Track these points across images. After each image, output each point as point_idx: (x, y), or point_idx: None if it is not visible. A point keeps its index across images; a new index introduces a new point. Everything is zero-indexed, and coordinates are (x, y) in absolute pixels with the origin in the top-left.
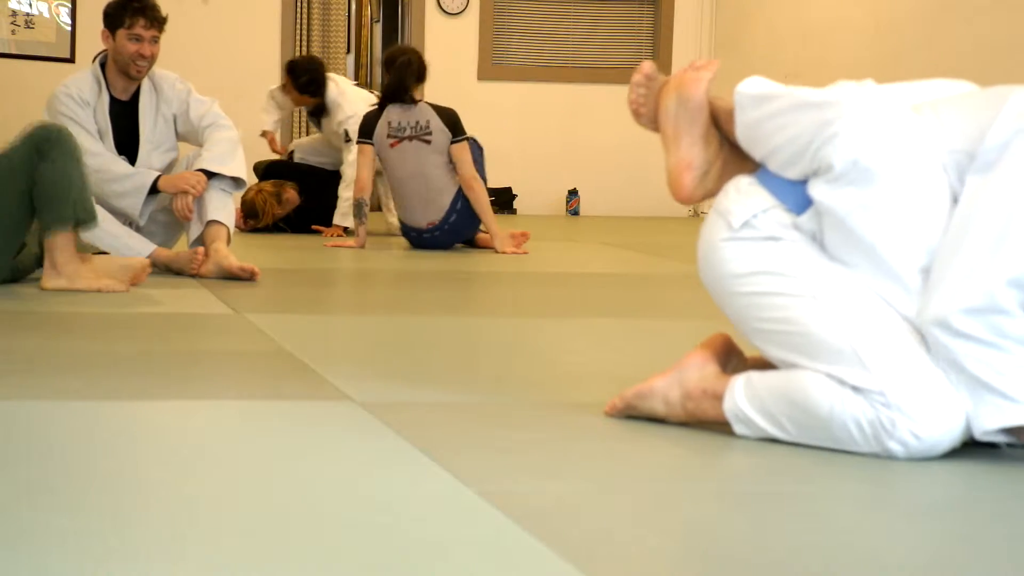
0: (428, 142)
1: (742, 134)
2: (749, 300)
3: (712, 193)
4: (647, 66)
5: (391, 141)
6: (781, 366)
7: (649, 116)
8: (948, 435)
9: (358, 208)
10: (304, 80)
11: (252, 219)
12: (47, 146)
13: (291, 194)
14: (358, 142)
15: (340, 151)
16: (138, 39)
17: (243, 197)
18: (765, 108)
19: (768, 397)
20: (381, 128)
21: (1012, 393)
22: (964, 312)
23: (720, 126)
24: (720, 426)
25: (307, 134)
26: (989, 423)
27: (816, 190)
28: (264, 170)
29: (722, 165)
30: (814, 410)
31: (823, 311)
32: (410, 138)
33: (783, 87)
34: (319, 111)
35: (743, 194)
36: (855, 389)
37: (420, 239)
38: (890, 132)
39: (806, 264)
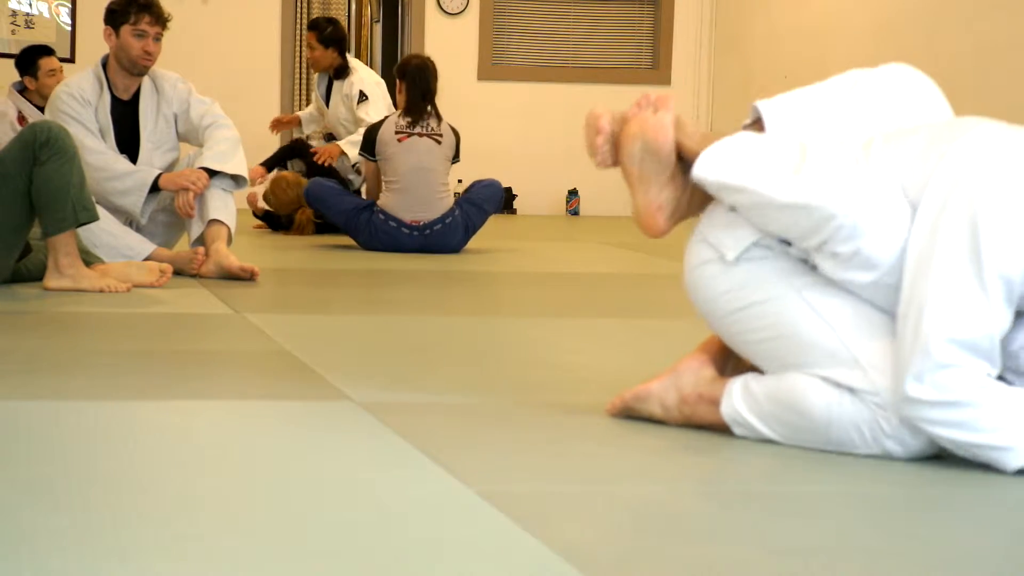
0: (439, 142)
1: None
2: (739, 315)
3: (685, 218)
4: (604, 122)
5: (399, 136)
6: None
7: (613, 161)
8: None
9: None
10: (329, 32)
11: (281, 213)
12: (41, 148)
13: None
14: (361, 154)
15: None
16: (142, 35)
17: (283, 196)
18: (734, 199)
19: (765, 402)
20: (388, 127)
21: (995, 442)
22: (913, 378)
23: (687, 159)
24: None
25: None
26: (1007, 467)
27: (821, 264)
28: (282, 153)
29: (691, 194)
30: (811, 414)
31: (814, 314)
32: (420, 135)
33: (741, 168)
34: (340, 72)
35: (732, 225)
36: (851, 391)
37: (410, 238)
38: (883, 222)
39: (794, 271)
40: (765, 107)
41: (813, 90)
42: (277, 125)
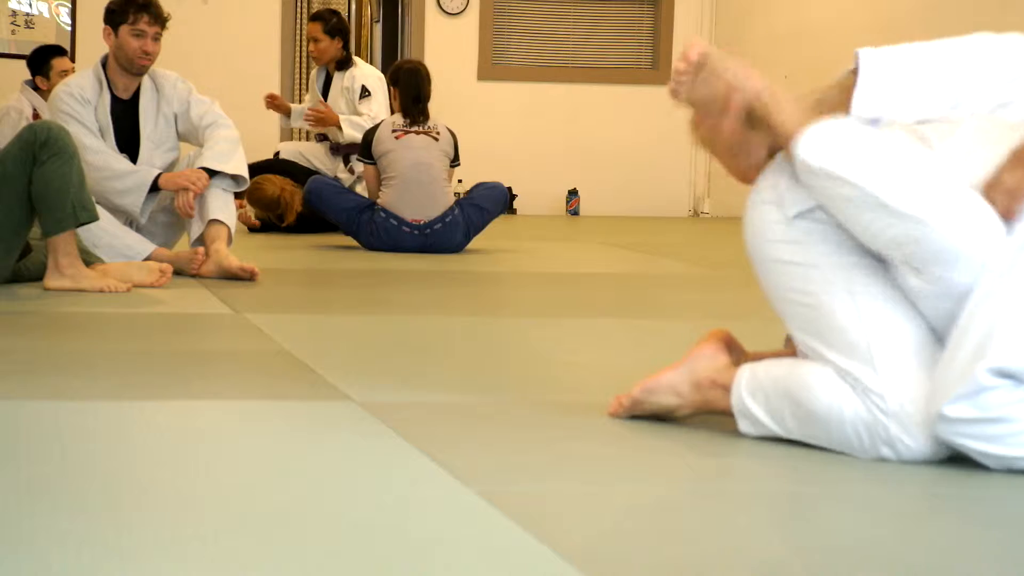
0: (436, 139)
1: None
2: (785, 268)
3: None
4: (694, 53)
5: (396, 134)
6: (799, 347)
7: (685, 95)
8: (941, 448)
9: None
10: (334, 22)
11: (271, 211)
12: (41, 148)
13: (299, 195)
14: (359, 159)
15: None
16: (140, 35)
17: (264, 194)
18: (833, 189)
19: (772, 392)
20: (384, 127)
21: None
22: (952, 400)
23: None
24: (723, 424)
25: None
26: None
27: (900, 269)
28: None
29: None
30: (814, 408)
31: (851, 300)
32: (417, 132)
33: (852, 159)
34: (342, 65)
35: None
36: (856, 390)
37: (411, 237)
38: (978, 248)
39: (849, 251)
40: (866, 61)
41: (926, 51)
42: (273, 99)
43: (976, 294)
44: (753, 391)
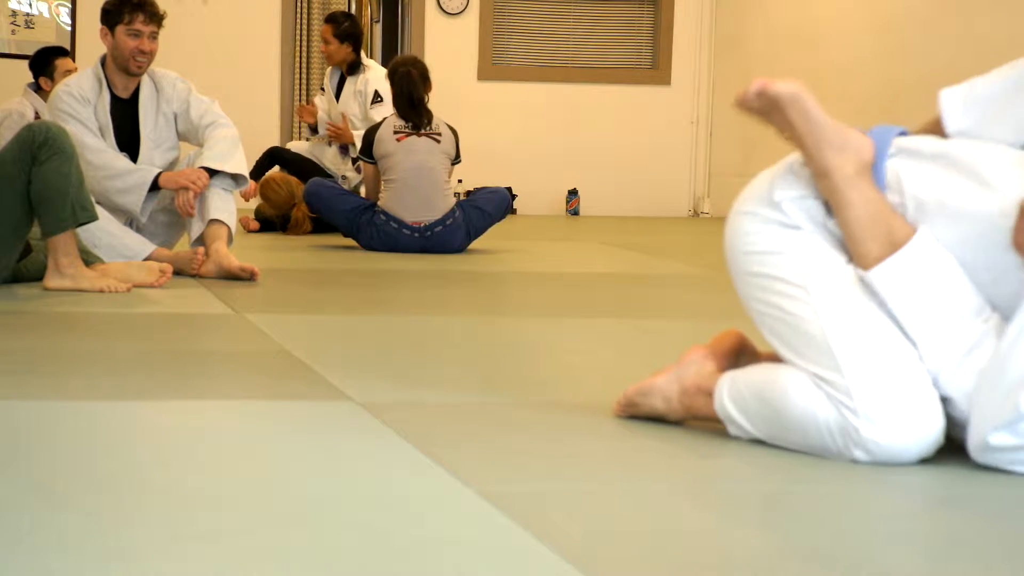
0: (438, 141)
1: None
2: (755, 280)
3: None
4: (773, 90)
5: (398, 136)
6: (777, 354)
7: (751, 107)
8: (913, 444)
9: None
10: (345, 26)
11: (281, 211)
12: (40, 148)
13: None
14: (359, 157)
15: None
16: (137, 34)
17: (278, 209)
18: (909, 312)
19: (749, 398)
20: (386, 128)
21: None
22: (995, 429)
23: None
24: (717, 425)
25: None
26: None
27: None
28: (262, 162)
29: None
30: (790, 413)
31: (814, 305)
32: (419, 134)
33: (910, 303)
34: (353, 68)
35: (796, 174)
36: (827, 393)
37: (411, 239)
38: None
39: (817, 257)
40: (948, 109)
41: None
42: (303, 111)
43: (1016, 325)
44: (734, 398)
